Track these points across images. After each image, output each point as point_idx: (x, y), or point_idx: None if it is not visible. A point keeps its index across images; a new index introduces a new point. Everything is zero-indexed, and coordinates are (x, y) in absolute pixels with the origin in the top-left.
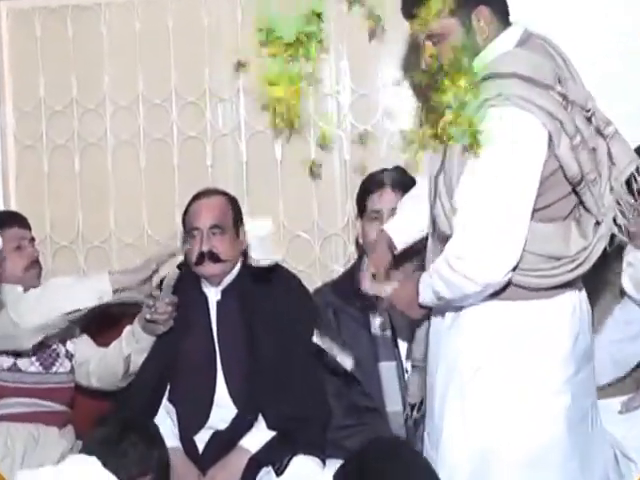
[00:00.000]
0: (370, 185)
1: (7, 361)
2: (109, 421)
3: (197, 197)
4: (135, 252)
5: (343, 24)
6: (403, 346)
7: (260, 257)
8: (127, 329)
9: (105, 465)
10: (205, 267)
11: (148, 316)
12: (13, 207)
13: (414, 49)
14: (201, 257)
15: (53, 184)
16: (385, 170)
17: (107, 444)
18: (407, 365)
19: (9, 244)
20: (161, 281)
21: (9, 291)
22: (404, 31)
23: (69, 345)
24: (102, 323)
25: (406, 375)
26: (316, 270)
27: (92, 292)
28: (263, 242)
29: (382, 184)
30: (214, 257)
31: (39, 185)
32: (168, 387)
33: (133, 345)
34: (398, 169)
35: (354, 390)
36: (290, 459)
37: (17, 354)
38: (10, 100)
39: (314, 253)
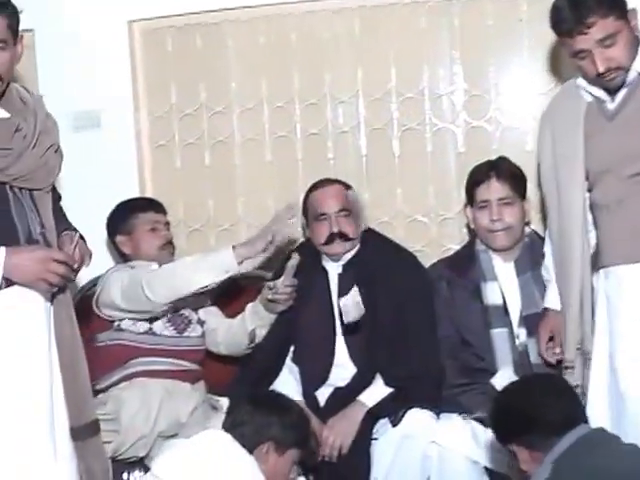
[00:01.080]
0: (477, 176)
1: (143, 326)
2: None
3: (316, 187)
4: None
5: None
6: (514, 314)
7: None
8: (249, 306)
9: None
10: (335, 246)
11: (269, 296)
12: (149, 195)
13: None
14: (331, 237)
15: (185, 178)
16: (491, 161)
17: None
18: (518, 331)
19: (145, 226)
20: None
21: (144, 267)
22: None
23: (201, 313)
24: (230, 293)
25: (517, 340)
26: (432, 249)
27: (219, 267)
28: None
29: (488, 175)
30: (344, 237)
31: (173, 179)
32: (291, 350)
33: (256, 321)
34: (504, 160)
35: (467, 353)
36: (405, 412)
37: (152, 319)
38: (145, 107)
39: (430, 234)
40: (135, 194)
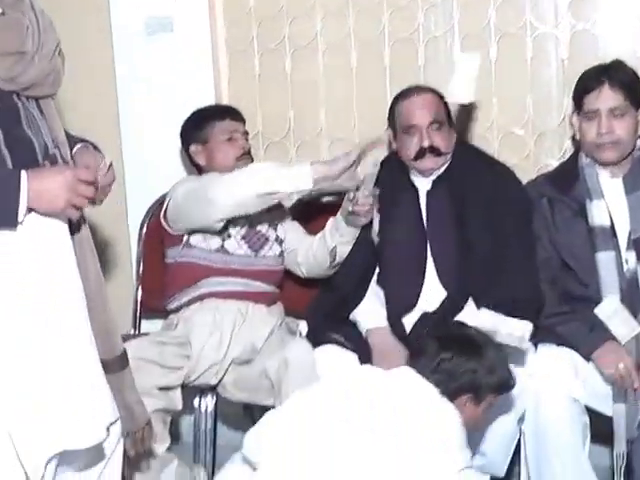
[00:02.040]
0: (587, 82)
1: (215, 243)
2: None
3: (406, 95)
4: (346, 147)
5: None
6: (622, 236)
7: (460, 95)
8: (330, 222)
9: None
10: (425, 161)
11: (350, 208)
12: (225, 103)
13: None
14: (421, 152)
15: (264, 85)
16: (604, 66)
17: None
18: (626, 256)
19: (221, 135)
20: None
21: (212, 175)
22: None
23: (280, 230)
24: (313, 210)
25: (625, 266)
26: (528, 165)
27: (291, 178)
28: (467, 78)
29: (600, 81)
30: (435, 151)
31: (251, 87)
32: (376, 271)
33: (337, 238)
34: (619, 64)
35: (569, 278)
36: None
37: (224, 236)
38: (221, 11)
39: (528, 148)
40: (211, 103)
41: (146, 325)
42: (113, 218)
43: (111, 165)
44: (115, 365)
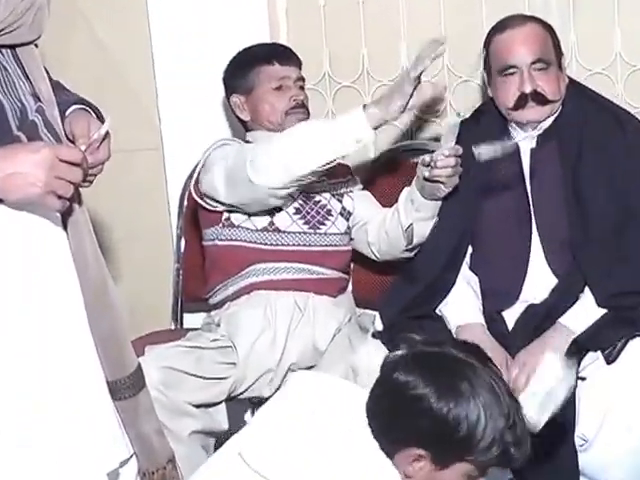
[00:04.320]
0: None
1: (262, 220)
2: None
3: (503, 27)
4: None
5: None
6: None
7: None
8: (403, 194)
9: None
10: (527, 111)
11: (426, 174)
12: (283, 41)
13: None
14: (522, 99)
15: (332, 17)
16: None
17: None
18: None
19: (268, 83)
20: None
21: (249, 147)
22: None
23: (346, 201)
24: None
25: None
26: None
27: (347, 135)
28: None
29: None
30: (540, 98)
31: (315, 19)
32: (469, 254)
33: (413, 214)
34: None
35: None
36: (626, 343)
37: (273, 210)
38: None
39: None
40: (265, 39)
41: (191, 319)
42: (148, 188)
43: (107, 136)
44: (126, 388)
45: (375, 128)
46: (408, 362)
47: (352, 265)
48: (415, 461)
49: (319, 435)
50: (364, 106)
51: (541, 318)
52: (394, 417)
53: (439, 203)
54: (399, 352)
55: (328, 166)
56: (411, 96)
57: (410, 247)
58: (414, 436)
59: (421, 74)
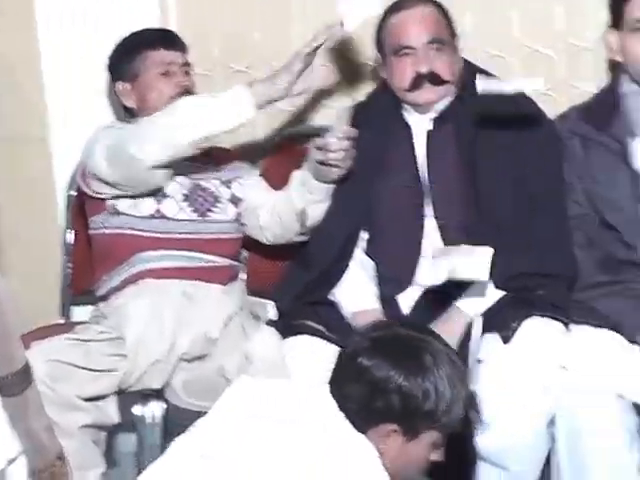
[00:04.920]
0: None
1: (148, 207)
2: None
3: (397, 7)
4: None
5: None
6: None
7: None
8: (295, 177)
9: None
10: (423, 92)
11: (319, 157)
12: (173, 26)
13: None
14: (418, 80)
15: (223, 1)
16: None
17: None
18: None
19: (154, 69)
20: None
21: (131, 126)
22: None
23: (236, 187)
24: (281, 161)
25: None
26: (560, 93)
27: (229, 111)
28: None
29: None
30: (436, 79)
31: (205, 2)
32: (364, 239)
33: (306, 197)
34: None
35: (610, 238)
36: (521, 323)
37: (158, 197)
38: None
39: (558, 72)
40: (155, 23)
41: (81, 312)
42: (35, 178)
43: None
44: (15, 384)
45: (261, 106)
46: (368, 347)
47: (247, 255)
48: (388, 437)
49: (282, 428)
50: (250, 83)
51: (438, 302)
52: (365, 400)
53: (332, 186)
54: (356, 339)
55: (208, 140)
56: (300, 75)
57: (304, 230)
58: (386, 414)
59: (314, 53)
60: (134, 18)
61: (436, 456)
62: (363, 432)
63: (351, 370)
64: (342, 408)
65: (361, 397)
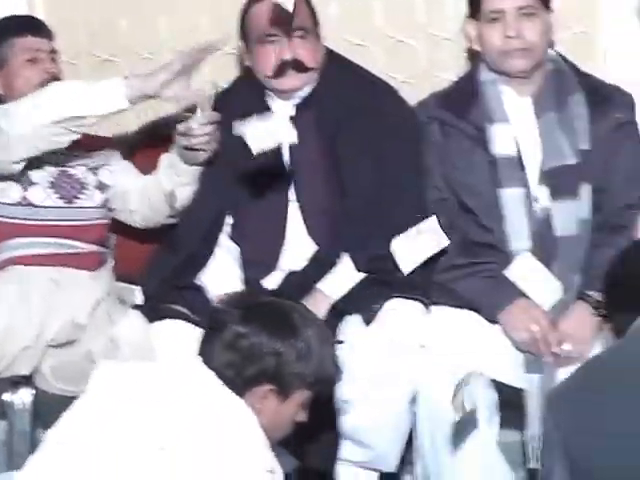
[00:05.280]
0: None
1: (14, 194)
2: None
3: None
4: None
5: None
6: (532, 168)
7: None
8: (163, 160)
9: None
10: (287, 79)
11: (184, 142)
12: (40, 14)
13: None
14: (282, 67)
15: None
16: None
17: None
18: (537, 192)
19: (21, 55)
20: None
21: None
22: None
23: (103, 174)
24: (152, 146)
25: (535, 204)
26: (422, 80)
27: (100, 98)
28: None
29: None
30: (299, 66)
31: None
32: (229, 223)
33: (174, 179)
34: None
35: (468, 222)
36: (382, 305)
37: (25, 184)
38: None
39: (419, 61)
40: (22, 11)
41: None
42: None
43: None
44: None
45: (133, 100)
46: (239, 315)
47: (115, 240)
48: (265, 398)
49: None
50: (126, 76)
51: (300, 285)
52: (241, 365)
53: (200, 168)
54: (223, 307)
55: (74, 124)
56: (179, 76)
57: (173, 213)
58: (262, 376)
59: (195, 64)
60: (1, 6)
61: (301, 417)
62: (241, 395)
63: (224, 338)
64: (219, 376)
65: (237, 363)
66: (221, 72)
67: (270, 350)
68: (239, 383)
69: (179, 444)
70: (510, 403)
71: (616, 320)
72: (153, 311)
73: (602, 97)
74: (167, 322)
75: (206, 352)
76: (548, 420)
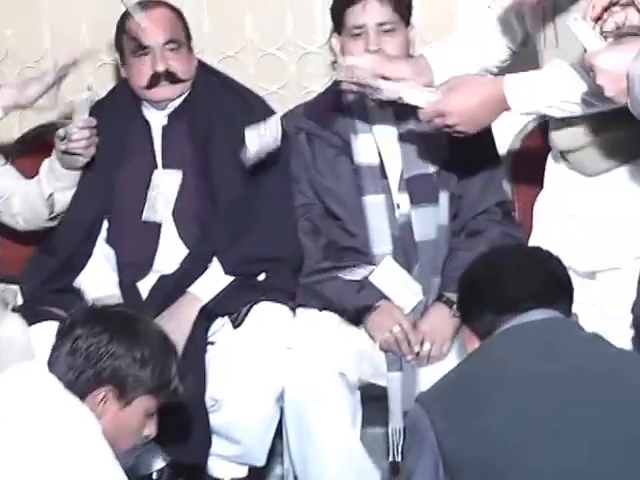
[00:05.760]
0: None
1: None
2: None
3: None
4: (74, 78)
5: None
6: (393, 176)
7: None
8: (44, 164)
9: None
10: (160, 90)
11: (62, 147)
12: None
13: None
14: (155, 78)
15: None
16: None
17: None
18: (398, 199)
19: None
20: None
21: None
22: None
23: None
24: (35, 152)
25: (397, 211)
26: (291, 91)
27: None
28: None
29: None
30: (172, 77)
31: None
32: (105, 227)
33: (53, 183)
34: None
35: (333, 227)
36: (251, 308)
37: None
38: None
39: (288, 73)
40: None
41: None
42: None
43: None
44: None
45: (7, 109)
46: (82, 318)
47: None
48: (104, 401)
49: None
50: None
51: (172, 287)
52: (81, 366)
53: (79, 172)
54: (73, 313)
55: None
56: (51, 88)
57: (54, 216)
58: (100, 377)
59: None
60: None
61: (150, 429)
62: (82, 399)
63: (67, 341)
64: (62, 379)
65: (76, 365)
66: (99, 81)
67: (107, 352)
68: (80, 386)
69: (19, 452)
70: (374, 400)
71: (472, 321)
72: (31, 313)
73: None
74: (45, 324)
75: (52, 357)
76: (420, 419)
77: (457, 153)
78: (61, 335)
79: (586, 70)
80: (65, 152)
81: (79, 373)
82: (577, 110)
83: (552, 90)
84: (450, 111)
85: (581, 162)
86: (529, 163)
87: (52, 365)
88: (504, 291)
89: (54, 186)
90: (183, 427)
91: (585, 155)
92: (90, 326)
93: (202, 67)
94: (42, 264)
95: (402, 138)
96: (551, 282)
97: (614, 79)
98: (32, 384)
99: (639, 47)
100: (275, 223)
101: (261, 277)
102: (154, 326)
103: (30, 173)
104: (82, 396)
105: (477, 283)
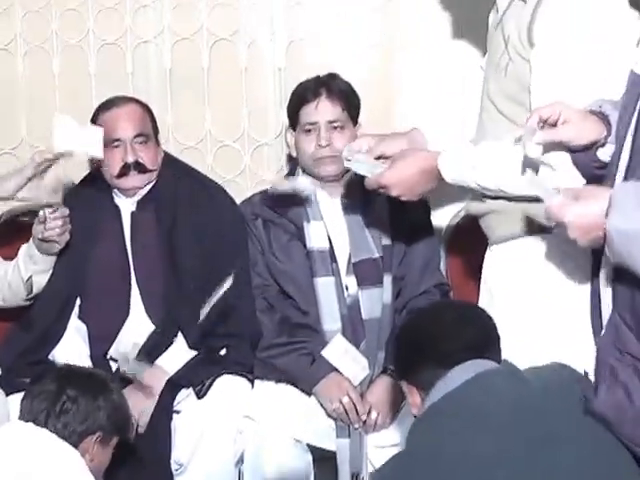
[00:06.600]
0: (304, 94)
1: None
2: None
3: (107, 106)
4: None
5: None
6: (342, 260)
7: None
8: (22, 249)
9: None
10: (130, 179)
11: (40, 235)
12: None
13: None
14: (125, 168)
15: None
16: (320, 78)
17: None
18: (346, 281)
19: None
20: None
21: None
22: None
23: None
24: (13, 234)
25: (345, 292)
26: (246, 180)
27: None
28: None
29: (318, 93)
30: (141, 168)
31: None
32: (78, 304)
33: (31, 267)
34: (334, 77)
35: (288, 306)
36: (214, 380)
37: None
38: None
39: (243, 162)
40: None
41: None
42: None
43: None
44: None
45: None
46: (53, 377)
47: None
48: (95, 444)
49: None
50: None
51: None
52: (72, 422)
53: (54, 257)
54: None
55: None
56: (30, 181)
57: (31, 296)
58: (94, 426)
59: (45, 168)
60: None
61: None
62: (75, 446)
63: (47, 395)
64: (53, 430)
65: (63, 419)
66: (73, 170)
67: (94, 408)
68: (73, 435)
69: None
70: (324, 463)
71: (411, 376)
72: (9, 385)
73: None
74: (22, 395)
75: (35, 411)
76: None
77: (399, 238)
78: (36, 392)
79: (549, 223)
80: (42, 239)
81: (75, 426)
82: (505, 191)
83: (481, 169)
84: (392, 184)
85: (487, 227)
86: (464, 242)
87: (45, 420)
88: (443, 345)
89: (32, 270)
90: None
91: (489, 221)
92: (76, 389)
93: (167, 157)
94: (19, 337)
95: (350, 225)
96: (483, 334)
97: (586, 231)
98: (35, 441)
99: (605, 199)
100: (235, 302)
101: (222, 352)
102: (107, 380)
103: (8, 256)
104: (77, 442)
105: (416, 339)
